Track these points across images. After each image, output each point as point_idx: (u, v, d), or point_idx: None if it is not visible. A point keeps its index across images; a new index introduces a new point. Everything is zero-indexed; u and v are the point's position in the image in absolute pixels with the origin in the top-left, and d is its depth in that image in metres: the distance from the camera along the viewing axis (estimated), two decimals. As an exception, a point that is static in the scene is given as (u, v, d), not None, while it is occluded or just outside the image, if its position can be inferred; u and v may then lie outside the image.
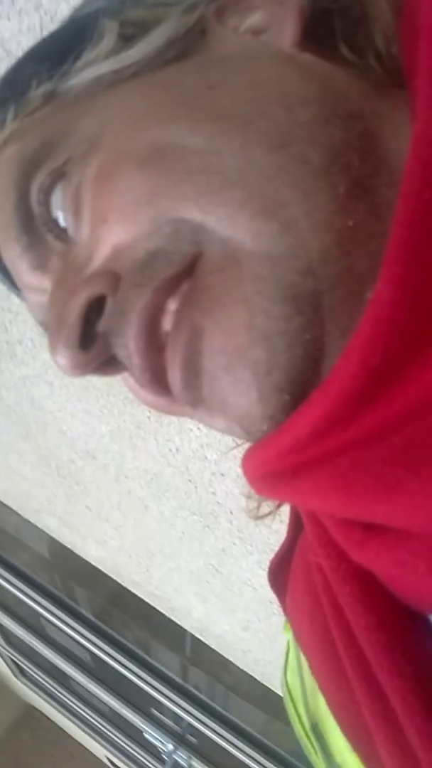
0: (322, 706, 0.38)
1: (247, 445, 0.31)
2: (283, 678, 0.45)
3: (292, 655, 0.43)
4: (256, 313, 0.26)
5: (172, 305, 0.29)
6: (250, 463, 0.30)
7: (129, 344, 0.29)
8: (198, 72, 0.32)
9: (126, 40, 0.33)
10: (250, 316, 0.26)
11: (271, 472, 0.28)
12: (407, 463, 0.22)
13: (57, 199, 0.32)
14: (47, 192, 0.32)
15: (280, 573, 0.41)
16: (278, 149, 0.27)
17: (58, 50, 0.35)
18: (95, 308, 0.30)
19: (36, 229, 0.33)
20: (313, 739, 0.39)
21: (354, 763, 0.35)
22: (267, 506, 0.42)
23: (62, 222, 0.32)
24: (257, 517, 0.41)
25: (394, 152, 0.28)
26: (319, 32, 0.32)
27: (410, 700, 0.25)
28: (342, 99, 0.29)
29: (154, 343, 0.29)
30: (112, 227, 0.29)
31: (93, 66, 0.34)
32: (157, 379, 0.30)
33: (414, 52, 0.28)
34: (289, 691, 0.43)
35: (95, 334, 0.31)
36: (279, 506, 0.42)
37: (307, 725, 0.40)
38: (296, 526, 0.40)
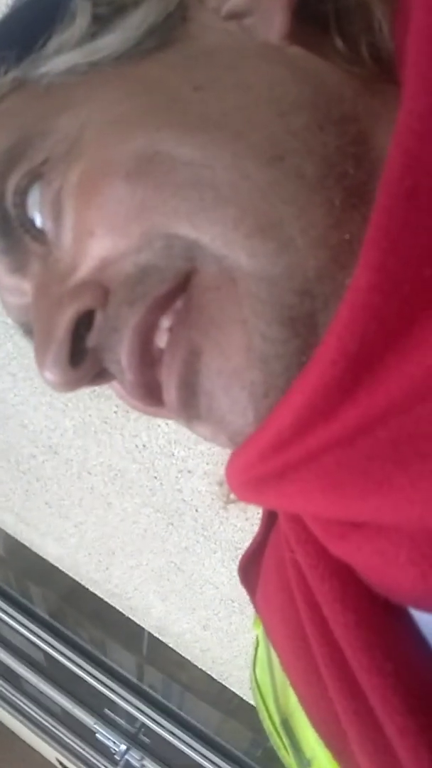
0: (292, 701, 0.38)
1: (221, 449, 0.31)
2: (251, 674, 0.45)
3: (261, 651, 0.43)
4: (253, 335, 0.26)
5: (165, 322, 0.28)
6: (233, 468, 0.29)
7: (122, 360, 0.29)
8: (183, 68, 0.31)
9: (100, 21, 0.32)
10: (248, 338, 0.26)
11: (255, 477, 0.28)
12: (395, 457, 0.22)
13: (34, 200, 0.31)
14: (23, 193, 0.31)
15: (251, 568, 0.40)
16: (272, 162, 0.27)
17: (26, 31, 0.33)
18: (84, 322, 0.29)
19: (12, 231, 0.32)
20: (283, 734, 0.39)
21: (325, 758, 0.35)
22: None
23: (39, 224, 0.31)
24: (228, 502, 0.41)
25: (387, 151, 0.28)
26: (309, 18, 0.31)
27: (390, 698, 0.25)
28: (335, 101, 0.29)
29: (147, 359, 0.29)
30: (100, 241, 0.29)
31: (65, 52, 0.32)
32: (150, 394, 0.30)
33: (406, 44, 0.28)
34: (258, 687, 0.43)
35: (85, 349, 0.30)
36: None
37: (277, 721, 0.39)
38: (268, 521, 0.39)
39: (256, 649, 0.44)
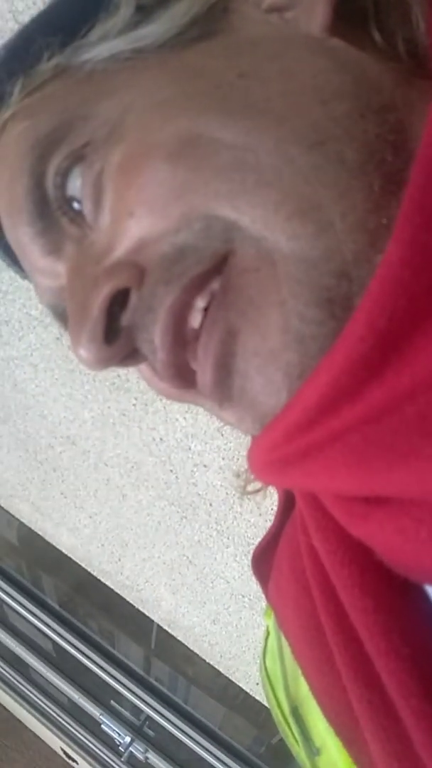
0: (303, 690, 0.39)
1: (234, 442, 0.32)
2: (261, 663, 0.45)
3: (272, 641, 0.44)
4: (291, 316, 0.26)
5: (200, 303, 0.29)
6: (257, 449, 0.30)
7: (155, 340, 0.30)
8: (226, 57, 0.31)
9: (143, 12, 0.33)
10: (285, 319, 0.27)
11: (279, 458, 0.28)
12: (422, 431, 0.22)
13: (74, 182, 0.31)
14: (64, 175, 0.31)
15: (264, 559, 0.41)
16: (314, 148, 0.27)
17: (70, 20, 0.34)
18: (119, 301, 0.30)
19: (50, 213, 0.33)
20: (292, 723, 0.40)
21: (334, 747, 0.35)
22: (254, 485, 0.42)
23: (77, 206, 0.32)
24: (245, 494, 0.42)
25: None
26: (349, 13, 0.31)
27: (407, 681, 0.25)
28: (375, 91, 0.29)
29: (180, 340, 0.30)
30: (140, 221, 0.29)
31: (108, 40, 0.33)
32: (181, 375, 0.31)
33: None
34: (268, 676, 0.44)
35: (119, 327, 0.31)
36: (266, 486, 0.42)
37: (287, 710, 0.40)
38: (283, 513, 0.40)
39: (266, 639, 0.45)
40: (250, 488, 0.42)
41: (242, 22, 0.32)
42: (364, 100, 0.29)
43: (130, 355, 0.32)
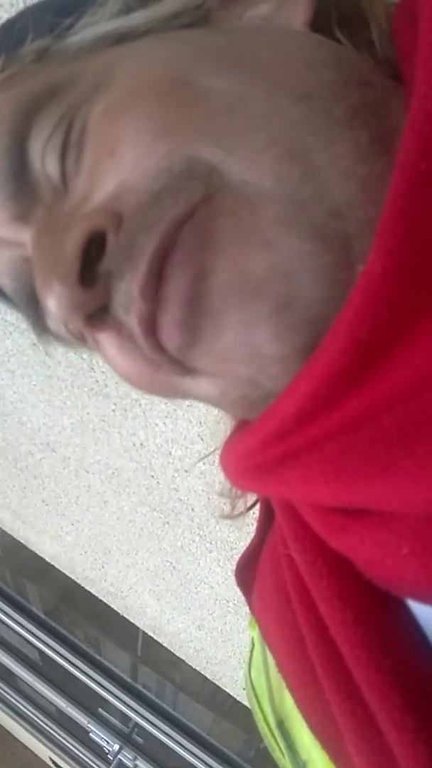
0: (288, 703, 0.38)
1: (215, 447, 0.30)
2: (247, 675, 0.44)
3: (257, 652, 0.43)
4: (278, 253, 0.25)
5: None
6: (231, 456, 0.29)
7: (133, 289, 0.27)
8: (215, 34, 0.32)
9: (131, 7, 0.33)
10: (271, 257, 0.25)
11: (255, 465, 0.27)
12: (400, 442, 0.21)
13: (57, 144, 0.30)
14: (48, 136, 0.30)
15: (247, 570, 0.40)
16: (303, 100, 0.27)
17: (62, 5, 0.34)
18: (96, 244, 0.28)
19: (26, 176, 0.31)
20: (278, 736, 0.39)
21: (321, 760, 0.34)
22: (240, 505, 0.41)
23: (58, 167, 0.30)
24: (230, 517, 0.41)
25: (401, 127, 0.28)
26: (318, 21, 0.32)
27: (388, 694, 0.24)
28: (356, 69, 0.29)
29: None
30: (121, 159, 0.28)
31: (96, 25, 0.33)
32: (157, 331, 0.28)
33: (411, 34, 0.28)
34: (253, 689, 0.43)
35: (96, 272, 0.28)
36: (251, 507, 0.41)
37: (273, 723, 0.39)
38: (265, 523, 0.39)
39: (251, 651, 0.44)
40: (236, 511, 0.41)
41: (226, 20, 0.33)
42: (346, 73, 0.29)
43: (98, 315, 0.29)
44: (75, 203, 0.29)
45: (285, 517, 0.31)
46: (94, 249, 0.28)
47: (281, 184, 0.25)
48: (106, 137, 0.28)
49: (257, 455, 0.26)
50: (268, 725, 0.40)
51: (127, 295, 0.27)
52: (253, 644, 0.44)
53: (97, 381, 1.01)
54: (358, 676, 0.26)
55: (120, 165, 0.28)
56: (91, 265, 0.28)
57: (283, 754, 0.38)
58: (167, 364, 0.29)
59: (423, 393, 0.21)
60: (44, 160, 0.30)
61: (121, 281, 0.28)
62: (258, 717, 0.41)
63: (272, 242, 0.25)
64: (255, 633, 0.42)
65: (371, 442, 0.22)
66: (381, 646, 0.25)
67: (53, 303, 0.28)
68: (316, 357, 0.23)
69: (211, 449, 0.96)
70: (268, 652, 0.39)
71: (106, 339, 0.30)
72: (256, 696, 0.42)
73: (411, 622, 0.27)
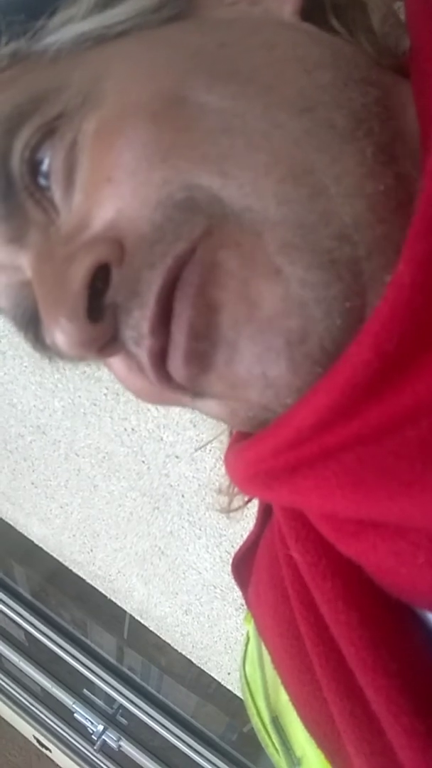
0: (283, 699, 0.37)
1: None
2: (241, 670, 0.44)
3: (252, 647, 0.42)
4: (290, 283, 0.24)
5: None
6: (240, 461, 0.28)
7: (142, 327, 0.26)
8: (201, 32, 0.30)
9: (108, 2, 0.31)
10: (284, 287, 0.24)
11: (265, 471, 0.26)
12: (425, 457, 0.21)
13: (44, 157, 0.28)
14: (34, 149, 0.28)
15: (243, 565, 0.39)
16: (303, 113, 0.26)
17: (31, 4, 0.31)
18: (100, 277, 0.27)
19: (15, 195, 0.29)
20: (272, 732, 0.38)
21: (315, 757, 0.34)
22: (238, 500, 0.41)
23: (46, 185, 0.29)
24: (227, 511, 0.40)
25: (404, 125, 0.27)
26: (310, 8, 0.31)
27: (396, 698, 0.24)
28: (353, 65, 0.28)
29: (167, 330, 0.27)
30: (119, 187, 0.26)
31: (73, 23, 0.31)
32: (166, 366, 0.28)
33: (424, 24, 0.27)
34: (247, 684, 0.42)
35: (103, 305, 0.27)
36: (248, 501, 0.40)
37: (267, 718, 0.39)
38: (263, 518, 0.38)
39: (246, 645, 0.44)
40: (234, 505, 0.40)
41: (211, 11, 0.31)
42: (345, 71, 0.28)
43: (109, 343, 0.28)
44: (73, 227, 0.28)
45: (285, 517, 0.30)
46: (100, 279, 0.27)
47: (286, 208, 0.24)
48: (102, 162, 0.27)
49: (267, 461, 0.25)
50: (262, 721, 0.39)
51: (137, 330, 0.27)
52: (248, 638, 0.43)
53: (89, 364, 1.00)
54: (363, 678, 0.25)
55: (118, 192, 0.26)
56: (97, 296, 0.27)
57: (277, 751, 0.38)
58: (176, 390, 0.28)
59: None
60: (31, 174, 0.29)
61: (129, 316, 0.27)
62: (252, 712, 0.40)
63: (281, 271, 0.24)
64: (250, 627, 0.41)
65: (393, 456, 0.21)
66: (388, 650, 0.25)
67: (63, 340, 0.27)
68: (338, 368, 0.22)
69: (203, 435, 0.96)
70: (263, 647, 0.38)
71: (116, 360, 0.30)
72: (250, 691, 0.41)
73: (419, 626, 0.26)
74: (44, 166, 0.29)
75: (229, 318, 0.25)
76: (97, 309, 0.27)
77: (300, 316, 0.24)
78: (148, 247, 0.26)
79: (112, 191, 0.27)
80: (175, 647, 1.62)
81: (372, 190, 0.25)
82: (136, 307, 0.26)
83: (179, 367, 0.27)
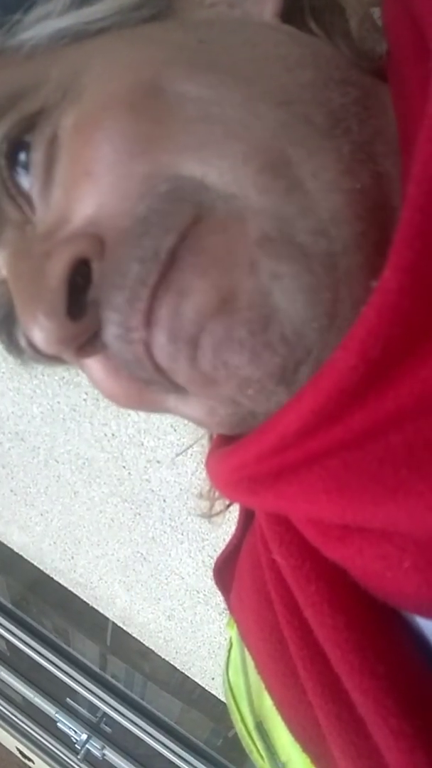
0: (267, 704, 0.37)
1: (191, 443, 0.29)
2: (224, 676, 0.44)
3: (235, 653, 0.42)
4: (261, 275, 0.24)
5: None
6: (223, 467, 0.27)
7: (133, 319, 0.26)
8: (183, 30, 0.30)
9: (83, 1, 0.31)
10: (255, 279, 0.24)
11: (249, 476, 0.26)
12: (411, 463, 0.21)
13: (22, 154, 0.28)
14: (12, 144, 0.28)
15: (226, 569, 0.39)
16: (281, 106, 0.26)
17: (4, 2, 0.31)
18: (80, 273, 0.26)
19: None
20: (256, 738, 0.38)
21: (300, 762, 0.34)
22: (219, 504, 0.40)
23: (25, 183, 0.28)
24: (208, 516, 0.40)
25: (384, 125, 0.27)
26: (289, 11, 0.31)
27: (384, 700, 0.24)
28: (333, 66, 0.28)
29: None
30: (98, 181, 0.26)
31: (50, 19, 0.30)
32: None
33: (406, 22, 0.27)
34: (231, 690, 0.42)
35: (84, 301, 0.26)
36: (229, 505, 0.40)
37: (251, 724, 0.38)
38: (245, 522, 0.38)
39: (229, 651, 0.43)
40: (216, 509, 0.40)
41: (191, 13, 0.31)
42: (325, 71, 0.28)
43: (88, 342, 0.27)
44: (51, 224, 0.27)
45: (267, 521, 0.30)
46: (80, 275, 0.26)
47: (266, 197, 0.24)
48: (81, 156, 0.26)
49: (251, 467, 0.25)
50: (246, 727, 0.39)
51: (125, 326, 0.26)
52: (231, 644, 0.43)
53: (68, 369, 0.99)
54: (350, 681, 0.25)
55: (98, 186, 0.26)
56: (76, 292, 0.26)
57: (261, 756, 0.38)
58: (165, 383, 0.28)
59: None
60: (7, 169, 0.28)
61: (113, 312, 0.26)
62: (236, 718, 0.40)
63: (255, 262, 0.24)
64: (233, 632, 0.41)
65: (378, 461, 0.21)
66: (374, 652, 0.24)
67: (41, 338, 0.26)
68: (323, 374, 0.22)
69: (184, 439, 0.95)
70: (246, 653, 0.38)
71: (93, 362, 0.29)
72: (233, 697, 0.41)
73: (405, 628, 0.26)
74: (22, 163, 0.28)
75: (200, 311, 0.25)
76: (77, 305, 0.26)
77: (263, 305, 0.24)
78: (134, 240, 0.25)
79: (91, 186, 0.26)
80: (159, 653, 1.62)
81: (349, 186, 0.25)
82: (123, 303, 0.26)
83: (167, 356, 0.26)
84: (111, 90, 0.27)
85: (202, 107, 0.26)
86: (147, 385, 0.28)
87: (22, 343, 0.30)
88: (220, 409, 0.28)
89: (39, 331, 0.26)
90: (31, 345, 0.28)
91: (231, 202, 0.25)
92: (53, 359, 0.30)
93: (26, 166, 0.28)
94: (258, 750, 0.38)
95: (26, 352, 0.31)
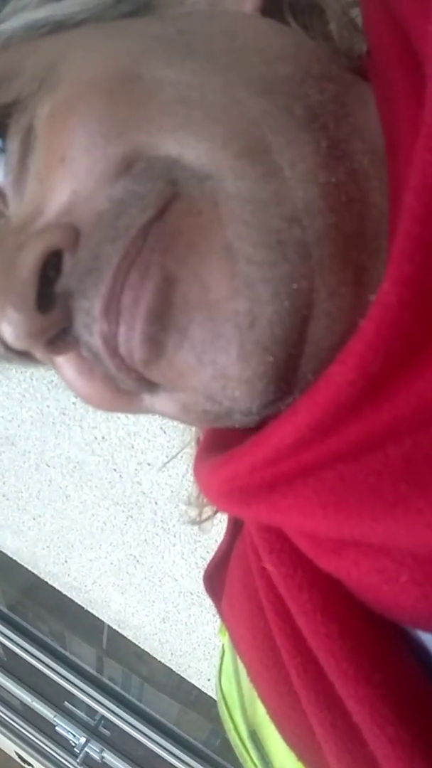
0: (260, 712, 0.37)
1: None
2: (217, 684, 0.43)
3: (227, 660, 0.41)
4: (238, 260, 0.23)
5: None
6: (214, 477, 0.26)
7: (95, 307, 0.25)
8: (161, 22, 0.29)
9: None
10: (231, 264, 0.23)
11: (241, 487, 0.25)
12: (410, 477, 0.20)
13: None
14: None
15: (216, 576, 0.38)
16: (262, 95, 0.25)
17: None
18: (52, 264, 0.25)
19: None
20: (250, 746, 0.37)
21: (294, 770, 0.33)
22: (207, 510, 0.40)
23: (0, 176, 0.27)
24: (197, 522, 0.39)
25: (363, 122, 0.27)
26: (269, 8, 0.31)
27: (381, 708, 0.23)
28: (313, 60, 0.28)
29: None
30: (73, 165, 0.25)
31: (27, 11, 0.30)
32: (120, 352, 0.26)
33: (386, 25, 0.27)
34: (223, 698, 0.41)
35: (53, 294, 0.25)
36: (217, 511, 0.40)
37: (245, 733, 0.38)
38: (233, 529, 0.37)
39: (221, 659, 0.43)
40: (205, 516, 0.39)
41: (171, 7, 0.31)
42: (304, 66, 0.27)
43: (60, 336, 0.26)
44: (25, 217, 0.27)
45: (257, 528, 0.29)
46: (51, 266, 0.25)
47: (242, 182, 0.24)
48: (55, 143, 0.26)
49: (243, 478, 0.24)
50: (239, 735, 0.38)
51: (90, 313, 0.25)
52: (223, 651, 0.42)
53: (56, 373, 0.99)
54: (345, 689, 0.24)
55: (72, 172, 0.25)
56: (48, 285, 0.25)
57: (255, 765, 0.37)
58: (131, 382, 0.27)
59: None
60: None
61: (83, 299, 0.25)
62: (228, 727, 0.39)
63: (232, 246, 0.23)
64: (225, 640, 0.40)
65: (376, 474, 0.21)
66: (370, 660, 0.24)
67: (9, 332, 0.25)
68: (319, 387, 0.21)
69: (174, 442, 0.95)
70: (238, 660, 0.37)
71: (65, 362, 0.28)
72: (226, 705, 0.40)
73: (401, 637, 0.25)
74: None
75: (182, 299, 0.24)
76: (47, 297, 0.25)
77: (247, 297, 0.23)
78: (109, 223, 0.25)
79: (65, 172, 0.25)
80: (155, 655, 1.61)
81: (325, 180, 0.24)
82: (91, 287, 0.25)
83: (134, 348, 0.25)
84: (87, 78, 0.26)
85: (182, 91, 0.25)
86: (120, 386, 0.28)
87: None
88: (193, 406, 0.27)
89: (7, 325, 0.25)
90: (1, 341, 0.28)
91: (205, 182, 0.24)
92: (24, 357, 0.29)
93: (2, 156, 0.27)
94: (252, 759, 0.37)
95: None
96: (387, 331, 0.19)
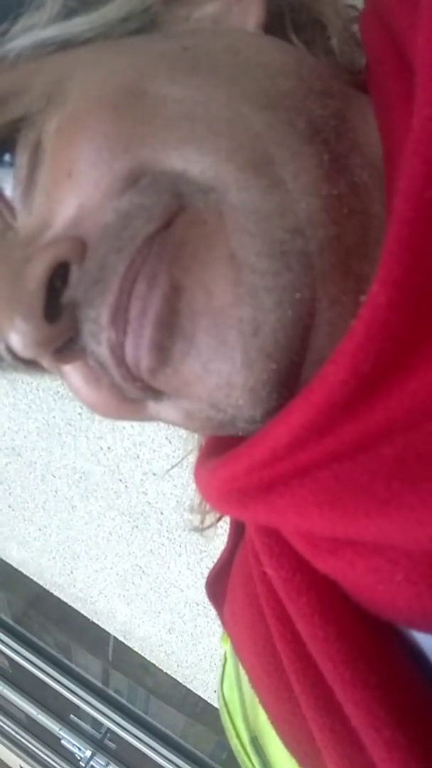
0: (262, 719, 0.37)
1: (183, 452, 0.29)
2: (219, 691, 0.43)
3: (229, 667, 0.41)
4: (242, 269, 0.24)
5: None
6: (213, 480, 0.27)
7: (103, 316, 0.25)
8: (166, 40, 0.30)
9: (72, 11, 0.31)
10: (236, 272, 0.24)
11: (239, 489, 0.26)
12: (402, 476, 0.20)
13: (5, 162, 0.28)
14: None
15: (218, 584, 0.39)
16: (266, 109, 0.26)
17: None
18: (59, 275, 0.26)
19: None
20: (251, 753, 0.37)
21: (295, 777, 0.33)
22: (210, 518, 0.40)
23: (7, 192, 0.28)
24: (199, 530, 0.39)
25: (363, 136, 0.28)
26: (272, 25, 0.32)
27: (377, 711, 0.23)
28: (315, 76, 0.29)
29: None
30: (80, 180, 0.26)
31: (36, 29, 0.31)
32: (126, 362, 0.27)
33: (382, 40, 0.27)
34: (225, 705, 0.41)
35: (60, 304, 0.26)
36: (220, 518, 0.40)
37: (246, 739, 0.38)
38: (235, 536, 0.38)
39: (223, 666, 0.43)
40: (207, 522, 0.40)
41: (176, 24, 0.32)
42: (306, 82, 0.28)
43: (67, 346, 0.27)
44: (33, 229, 0.27)
45: (258, 533, 0.29)
46: (59, 278, 0.26)
47: (246, 194, 0.25)
48: (62, 157, 0.26)
49: (241, 480, 0.25)
50: (241, 742, 0.39)
51: (97, 322, 0.26)
52: (225, 658, 0.42)
53: (62, 384, 0.99)
54: (342, 693, 0.24)
55: (79, 186, 0.26)
56: (55, 296, 0.26)
57: (256, 772, 0.37)
58: (137, 391, 0.27)
59: (423, 424, 0.20)
60: None
61: (89, 308, 0.26)
62: (230, 733, 0.40)
63: (236, 255, 0.24)
64: (227, 647, 0.41)
65: (370, 473, 0.21)
66: (367, 663, 0.24)
67: (18, 341, 0.26)
68: (312, 387, 0.22)
69: (179, 451, 0.95)
70: (240, 667, 0.37)
71: (71, 370, 0.29)
72: (228, 712, 0.40)
73: (398, 640, 0.26)
74: (4, 170, 0.28)
75: (187, 307, 0.25)
76: (55, 308, 0.26)
77: (250, 305, 0.24)
78: (115, 234, 0.25)
79: (72, 186, 0.26)
80: (161, 667, 1.60)
81: (327, 192, 0.25)
82: (97, 296, 0.26)
83: (142, 357, 0.26)
84: (94, 94, 0.27)
85: (186, 106, 0.26)
86: (125, 391, 0.28)
87: (1, 349, 0.30)
88: (197, 414, 0.28)
89: (16, 334, 0.26)
90: (9, 350, 0.28)
91: (210, 194, 0.25)
92: (31, 365, 0.30)
93: (11, 169, 0.28)
94: (253, 765, 0.37)
95: (4, 359, 0.31)
96: (377, 331, 0.20)
